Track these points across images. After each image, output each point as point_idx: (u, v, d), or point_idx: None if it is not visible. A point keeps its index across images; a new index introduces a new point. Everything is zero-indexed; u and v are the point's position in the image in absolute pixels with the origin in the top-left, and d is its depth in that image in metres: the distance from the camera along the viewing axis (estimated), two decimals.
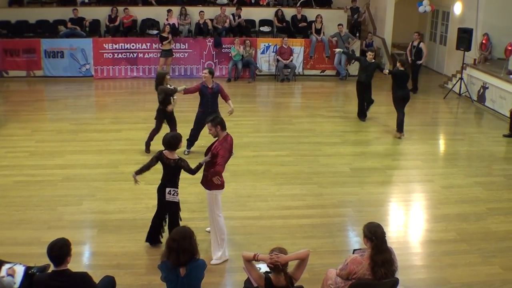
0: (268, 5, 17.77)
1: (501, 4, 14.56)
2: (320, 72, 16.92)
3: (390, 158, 10.11)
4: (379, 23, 18.70)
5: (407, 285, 5.79)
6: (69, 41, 15.77)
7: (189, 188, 7.98)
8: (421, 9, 16.63)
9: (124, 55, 15.99)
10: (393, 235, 6.94)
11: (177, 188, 6.38)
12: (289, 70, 16.27)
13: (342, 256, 5.59)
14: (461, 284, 5.96)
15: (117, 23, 16.33)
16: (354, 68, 16.89)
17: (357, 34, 17.51)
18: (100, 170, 8.97)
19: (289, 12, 17.33)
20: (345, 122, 12.12)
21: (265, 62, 16.57)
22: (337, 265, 5.15)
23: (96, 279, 4.88)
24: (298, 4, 17.46)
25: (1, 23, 15.99)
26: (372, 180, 8.90)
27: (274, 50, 16.43)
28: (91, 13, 16.58)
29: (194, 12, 16.72)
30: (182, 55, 16.23)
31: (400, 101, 11.02)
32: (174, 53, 15.84)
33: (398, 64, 11.07)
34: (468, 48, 14.31)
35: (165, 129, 9.31)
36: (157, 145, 7.66)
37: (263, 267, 4.84)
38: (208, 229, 6.76)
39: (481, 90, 14.03)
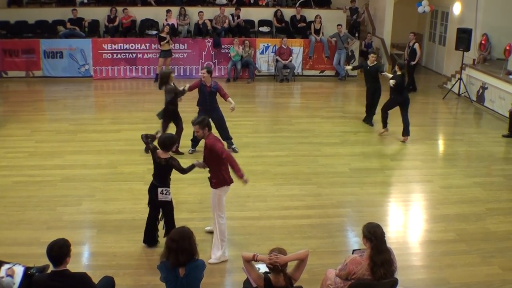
0: (267, 5, 17.78)
1: (500, 4, 14.58)
2: (319, 73, 16.93)
3: (389, 158, 10.12)
4: (378, 23, 18.71)
5: (407, 285, 5.79)
6: (68, 41, 15.77)
7: (188, 188, 8.00)
8: (420, 9, 16.64)
9: (123, 55, 15.99)
10: (392, 235, 6.94)
11: (169, 187, 6.38)
12: (288, 70, 16.29)
13: (342, 257, 5.60)
14: (461, 285, 5.96)
15: (116, 23, 16.33)
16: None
17: (356, 35, 17.51)
18: (100, 170, 8.97)
19: (288, 13, 17.34)
20: (344, 123, 12.12)
21: (264, 62, 16.58)
22: (336, 266, 5.15)
23: (96, 279, 4.88)
24: (297, 5, 17.47)
25: (0, 23, 15.98)
26: (372, 180, 8.90)
27: (273, 51, 16.44)
28: (90, 13, 16.58)
29: (193, 12, 16.73)
30: (181, 55, 16.23)
31: (401, 105, 10.90)
32: (173, 54, 15.85)
33: (396, 68, 10.91)
34: (467, 49, 14.32)
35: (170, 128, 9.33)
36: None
37: (262, 268, 4.84)
38: (207, 228, 6.76)
39: (480, 91, 14.04)
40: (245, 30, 16.79)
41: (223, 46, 16.29)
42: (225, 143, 8.33)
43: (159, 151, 6.29)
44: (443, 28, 17.61)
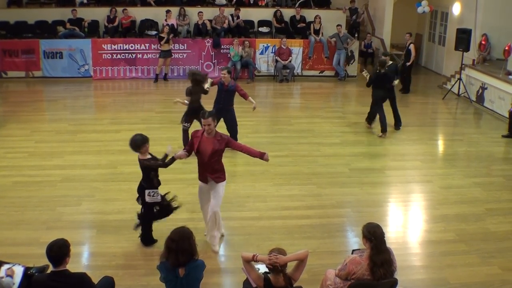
0: (266, 5, 17.80)
1: (500, 4, 14.59)
2: (319, 73, 16.93)
3: (389, 158, 10.12)
4: (378, 23, 18.72)
5: (406, 285, 5.79)
6: (68, 41, 15.77)
7: (188, 188, 8.00)
8: (419, 9, 16.65)
9: (123, 55, 15.99)
10: (392, 235, 6.94)
11: (156, 189, 6.37)
12: (288, 70, 16.29)
13: (341, 257, 5.60)
14: (460, 285, 5.96)
15: (116, 23, 16.33)
16: (353, 69, 16.96)
17: (356, 35, 17.52)
18: (99, 170, 8.97)
19: (287, 13, 17.34)
20: (344, 123, 12.13)
21: (264, 62, 16.58)
22: (336, 266, 5.15)
23: (95, 279, 4.88)
24: (297, 5, 17.48)
25: (0, 23, 15.98)
26: (371, 180, 8.90)
27: (273, 51, 16.44)
28: (90, 13, 16.58)
29: (193, 12, 16.74)
30: (181, 55, 16.23)
31: (379, 101, 11.12)
32: (173, 54, 15.86)
33: (378, 66, 11.16)
34: (467, 49, 14.33)
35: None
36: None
37: (262, 268, 4.84)
38: (216, 248, 6.64)
39: (480, 91, 14.05)
40: (244, 30, 16.80)
41: (222, 47, 16.29)
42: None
43: (139, 154, 6.28)
44: (443, 29, 17.63)
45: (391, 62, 11.76)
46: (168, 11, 16.18)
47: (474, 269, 6.26)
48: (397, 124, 11.68)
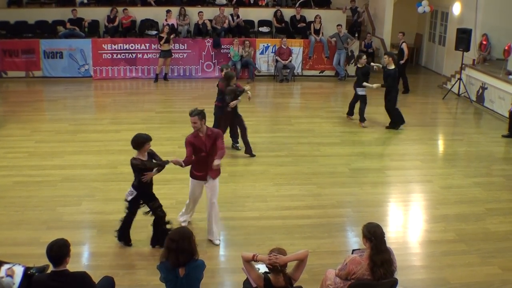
0: (267, 5, 17.79)
1: (500, 4, 14.59)
2: (319, 73, 16.93)
3: (389, 158, 10.13)
4: (378, 23, 18.72)
5: (406, 285, 5.79)
6: (68, 41, 15.78)
7: (188, 189, 7.97)
8: (420, 9, 16.66)
9: (123, 55, 15.99)
10: (392, 235, 6.94)
11: (134, 189, 6.36)
12: (288, 70, 16.29)
13: (341, 257, 5.60)
14: (460, 285, 5.96)
15: (116, 23, 16.34)
16: (353, 69, 16.92)
17: (356, 35, 17.52)
18: (99, 170, 8.97)
19: (288, 13, 17.34)
20: (344, 123, 12.13)
21: (264, 62, 16.58)
22: (336, 266, 5.15)
23: (96, 279, 4.88)
24: (297, 5, 17.48)
25: (0, 23, 16.00)
26: (371, 180, 8.91)
27: (273, 51, 16.44)
28: (90, 13, 16.59)
29: (193, 12, 16.74)
30: (181, 55, 16.24)
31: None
32: (173, 54, 15.86)
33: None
34: (467, 49, 14.33)
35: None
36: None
37: (262, 268, 4.84)
38: (217, 242, 6.73)
39: (480, 91, 14.05)
40: (245, 30, 16.80)
41: (223, 46, 16.29)
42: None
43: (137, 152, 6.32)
44: (443, 28, 17.62)
45: (365, 65, 11.79)
46: (168, 11, 16.18)
47: (474, 269, 6.27)
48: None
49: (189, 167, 6.57)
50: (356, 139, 11.08)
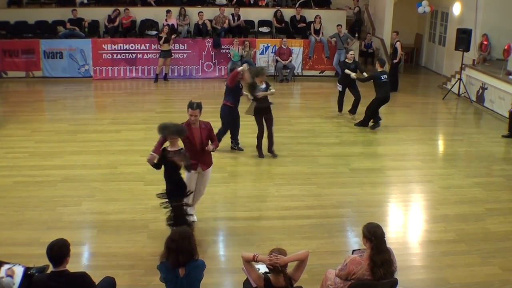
0: (267, 5, 17.80)
1: (500, 4, 14.59)
2: (319, 73, 16.93)
3: (389, 158, 10.12)
4: (378, 23, 18.72)
5: (406, 285, 5.78)
6: (68, 41, 15.78)
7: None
8: (420, 9, 16.66)
9: (123, 55, 16.00)
10: (392, 235, 6.93)
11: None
12: (288, 70, 16.29)
13: (341, 257, 5.59)
14: (460, 285, 5.96)
15: (116, 23, 16.34)
16: None
17: (356, 35, 17.53)
18: (99, 170, 8.97)
19: (288, 13, 17.35)
20: (344, 123, 12.13)
21: (264, 62, 16.57)
22: (336, 266, 5.15)
23: (96, 279, 4.88)
24: (297, 5, 17.48)
25: (0, 23, 15.99)
26: (371, 180, 8.90)
27: (273, 51, 16.45)
28: (90, 13, 16.59)
29: (193, 12, 16.74)
30: (181, 55, 16.24)
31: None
32: (173, 54, 15.86)
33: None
34: (467, 49, 14.33)
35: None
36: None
37: (262, 268, 4.84)
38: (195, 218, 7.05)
39: (480, 91, 14.05)
40: (245, 30, 16.80)
41: (223, 47, 16.30)
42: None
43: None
44: (443, 29, 17.62)
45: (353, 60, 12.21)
46: (168, 11, 16.18)
47: (474, 269, 6.26)
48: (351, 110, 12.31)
49: None
50: (356, 139, 11.08)
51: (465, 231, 7.18)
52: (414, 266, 6.37)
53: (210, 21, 16.55)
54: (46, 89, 15.05)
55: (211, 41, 16.24)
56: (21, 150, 9.86)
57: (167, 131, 6.22)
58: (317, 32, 16.61)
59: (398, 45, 15.18)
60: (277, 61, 16.21)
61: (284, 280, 4.56)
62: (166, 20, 16.11)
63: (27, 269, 5.10)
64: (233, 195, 8.09)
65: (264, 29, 17.15)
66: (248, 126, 11.25)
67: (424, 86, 16.22)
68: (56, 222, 7.15)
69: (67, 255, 4.52)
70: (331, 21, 16.84)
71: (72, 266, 4.68)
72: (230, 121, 9.75)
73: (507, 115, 11.93)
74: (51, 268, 4.59)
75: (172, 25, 15.97)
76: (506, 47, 13.42)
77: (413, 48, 19.59)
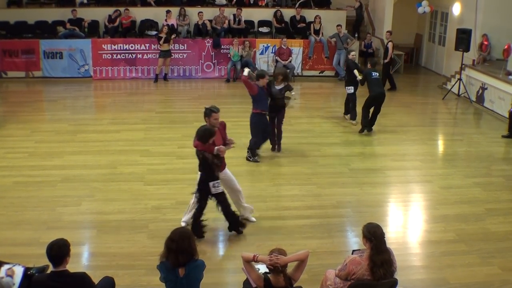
0: (267, 5, 17.80)
1: (500, 4, 14.59)
2: (319, 73, 16.94)
3: (389, 158, 10.11)
4: (378, 23, 18.72)
5: (406, 285, 5.78)
6: (68, 41, 15.79)
7: (188, 188, 7.97)
8: (420, 9, 16.67)
9: (123, 55, 16.00)
10: (392, 235, 6.93)
11: (218, 179, 6.59)
12: (288, 70, 16.25)
13: (341, 257, 5.59)
14: (460, 285, 5.96)
15: (116, 23, 16.34)
16: None
17: (356, 35, 17.54)
18: (99, 170, 8.97)
19: (288, 13, 17.35)
20: (344, 123, 12.13)
21: (264, 62, 16.58)
22: (336, 266, 5.15)
23: (96, 279, 4.88)
24: (297, 5, 17.48)
25: (0, 23, 15.99)
26: (371, 180, 8.90)
27: (273, 51, 16.44)
28: (90, 13, 16.59)
29: (193, 13, 16.74)
30: (181, 55, 16.25)
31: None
32: (173, 54, 15.86)
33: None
34: (467, 49, 14.33)
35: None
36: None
37: (262, 268, 4.84)
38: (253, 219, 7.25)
39: (480, 91, 14.05)
40: (244, 30, 16.80)
41: (222, 47, 16.30)
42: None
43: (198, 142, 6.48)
44: (443, 29, 17.63)
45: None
46: (168, 11, 16.18)
47: (474, 269, 6.26)
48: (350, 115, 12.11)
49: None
50: (356, 139, 11.08)
51: (465, 231, 7.18)
52: (414, 266, 6.37)
53: (210, 21, 16.55)
54: (46, 89, 15.05)
55: (211, 41, 16.25)
56: (21, 150, 9.86)
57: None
58: (317, 32, 16.62)
59: (390, 45, 15.18)
60: (277, 61, 16.20)
61: (284, 280, 4.56)
62: (166, 20, 16.10)
63: (27, 269, 5.10)
64: None
65: (264, 29, 17.15)
66: (248, 126, 11.26)
67: (424, 86, 16.23)
68: (56, 222, 7.15)
69: (67, 255, 4.52)
70: (331, 21, 16.85)
71: (72, 266, 4.68)
72: (261, 128, 9.60)
73: (507, 115, 11.94)
74: (51, 268, 4.59)
75: (172, 25, 15.97)
76: (506, 47, 13.43)
77: (413, 48, 19.60)
